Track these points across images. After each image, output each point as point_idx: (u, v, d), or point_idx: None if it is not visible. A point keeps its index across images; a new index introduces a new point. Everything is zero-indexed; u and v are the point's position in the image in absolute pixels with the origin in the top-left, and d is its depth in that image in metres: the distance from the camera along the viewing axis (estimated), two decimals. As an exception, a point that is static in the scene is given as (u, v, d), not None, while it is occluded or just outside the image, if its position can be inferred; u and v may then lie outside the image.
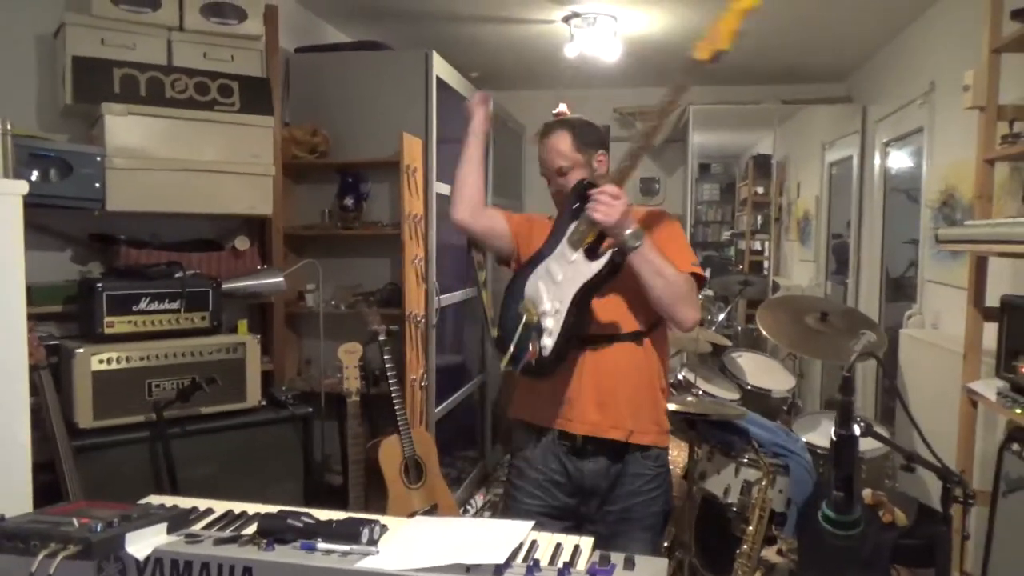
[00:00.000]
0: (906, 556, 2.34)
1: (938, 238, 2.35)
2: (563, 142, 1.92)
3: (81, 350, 2.33)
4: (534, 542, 1.21)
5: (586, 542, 1.21)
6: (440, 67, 3.48)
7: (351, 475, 2.77)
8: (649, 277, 1.71)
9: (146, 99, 2.61)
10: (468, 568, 1.05)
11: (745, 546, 2.45)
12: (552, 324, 1.72)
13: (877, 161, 4.58)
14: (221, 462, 2.53)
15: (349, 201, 3.44)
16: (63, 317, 2.55)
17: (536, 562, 1.08)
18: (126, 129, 2.53)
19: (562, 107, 4.02)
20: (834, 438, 0.95)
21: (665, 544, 2.82)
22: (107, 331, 2.40)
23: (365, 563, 1.07)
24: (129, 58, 2.61)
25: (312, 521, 1.19)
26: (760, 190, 6.03)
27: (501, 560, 1.05)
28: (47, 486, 2.19)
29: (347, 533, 1.13)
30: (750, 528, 2.44)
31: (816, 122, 5.43)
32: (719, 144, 6.29)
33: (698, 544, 2.81)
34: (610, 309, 1.86)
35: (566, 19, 3.93)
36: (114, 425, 2.37)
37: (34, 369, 1.95)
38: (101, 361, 2.37)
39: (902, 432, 3.67)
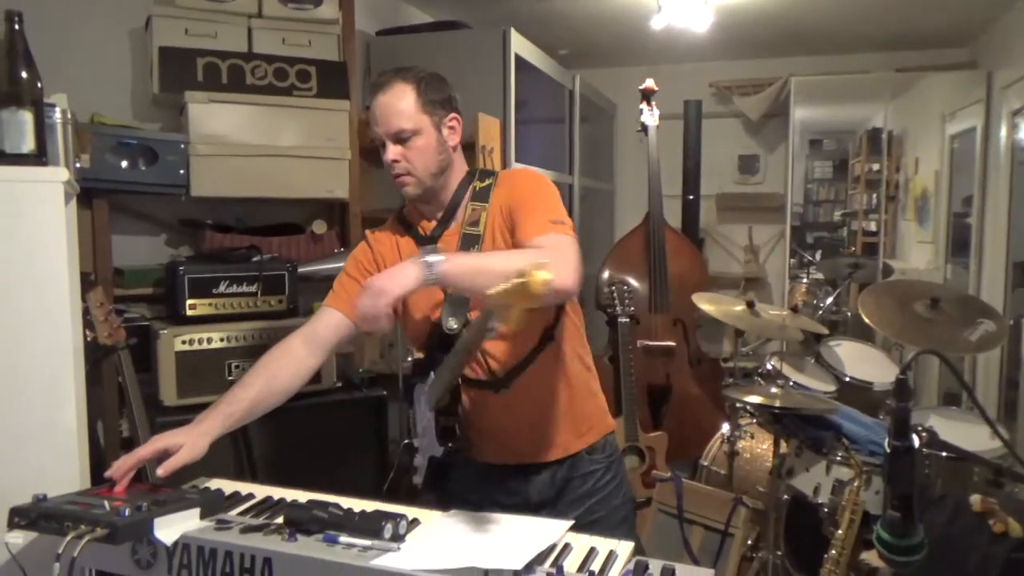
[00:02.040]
0: (1020, 572, 2.10)
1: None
2: (404, 98, 1.52)
3: (165, 331, 2.42)
4: (567, 545, 1.13)
5: (624, 547, 1.13)
6: (520, 45, 3.40)
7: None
8: (475, 286, 1.33)
9: (227, 86, 2.67)
10: (486, 572, 0.99)
11: (834, 551, 2.27)
12: (421, 444, 1.55)
13: (1003, 132, 4.16)
14: (297, 443, 2.58)
15: (429, 183, 3.43)
16: (153, 299, 2.67)
17: (561, 568, 1.01)
18: (208, 116, 2.60)
19: (649, 82, 3.88)
20: (887, 450, 0.82)
21: (748, 542, 2.67)
22: (189, 313, 2.48)
23: (381, 560, 1.03)
24: (211, 47, 2.67)
25: (339, 512, 1.16)
26: (875, 167, 5.64)
27: (519, 566, 0.99)
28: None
29: (369, 528, 1.09)
30: (839, 532, 2.26)
31: (935, 91, 4.99)
32: (828, 118, 5.91)
33: (788, 544, 2.65)
34: (497, 346, 1.57)
35: (652, -11, 3.76)
36: (196, 403, 2.44)
37: (113, 349, 2.04)
38: (184, 342, 2.45)
39: (1026, 431, 3.33)
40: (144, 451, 1.33)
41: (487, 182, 1.62)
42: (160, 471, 1.30)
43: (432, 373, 1.52)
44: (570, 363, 1.65)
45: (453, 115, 1.59)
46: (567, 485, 1.66)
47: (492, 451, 1.66)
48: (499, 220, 1.55)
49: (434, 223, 1.63)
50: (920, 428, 0.78)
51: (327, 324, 1.60)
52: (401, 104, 1.51)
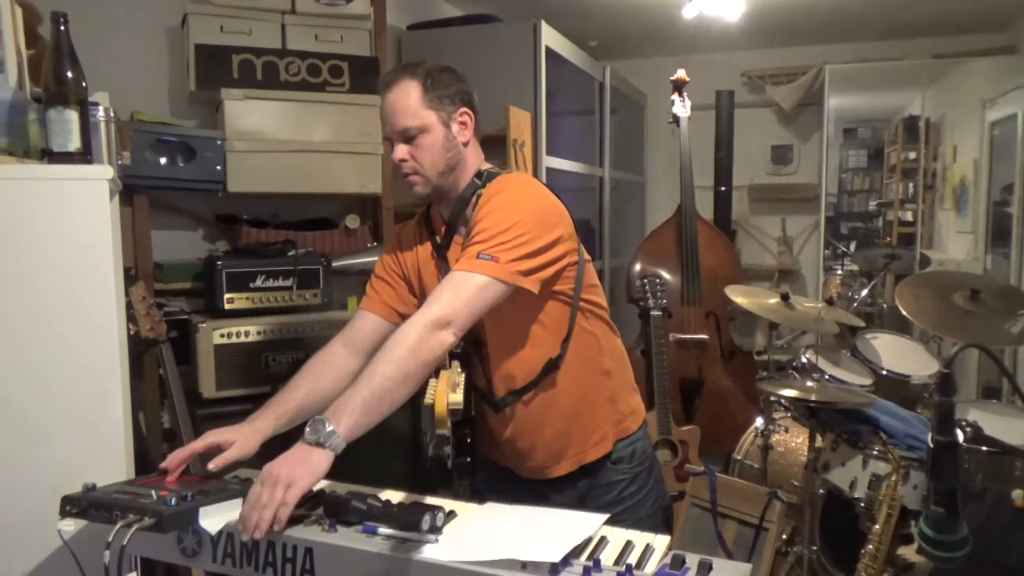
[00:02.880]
0: (1063, 568, 2.05)
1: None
2: (409, 95, 1.45)
3: (204, 324, 2.47)
4: (603, 538, 1.14)
5: (660, 541, 1.13)
6: (550, 37, 3.40)
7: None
8: (380, 416, 1.35)
9: (262, 83, 2.70)
10: (524, 564, 1.00)
11: (871, 546, 2.25)
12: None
13: (1047, 119, 4.06)
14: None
15: (460, 177, 3.44)
16: (192, 293, 2.72)
17: (598, 562, 1.02)
18: (244, 113, 2.63)
19: (680, 73, 3.84)
20: (931, 445, 0.81)
21: (783, 536, 2.65)
22: (227, 307, 2.51)
23: (421, 552, 1.05)
24: (246, 43, 2.70)
25: (377, 504, 1.18)
26: (911, 155, 5.54)
27: (557, 559, 1.00)
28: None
29: (407, 520, 1.11)
30: (876, 527, 2.24)
31: (974, 77, 4.88)
32: (863, 107, 5.81)
33: (823, 538, 2.63)
34: (503, 368, 1.57)
35: (684, -22, 3.72)
36: (235, 396, 2.50)
37: (155, 343, 2.08)
38: (222, 335, 2.49)
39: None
40: (197, 444, 1.37)
41: (487, 188, 1.55)
42: (211, 466, 1.32)
43: None
44: (579, 379, 1.61)
45: (464, 110, 1.52)
46: (589, 493, 1.64)
47: (507, 460, 1.67)
48: None
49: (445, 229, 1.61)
50: (964, 423, 0.77)
51: (364, 327, 1.61)
52: (406, 101, 1.46)
